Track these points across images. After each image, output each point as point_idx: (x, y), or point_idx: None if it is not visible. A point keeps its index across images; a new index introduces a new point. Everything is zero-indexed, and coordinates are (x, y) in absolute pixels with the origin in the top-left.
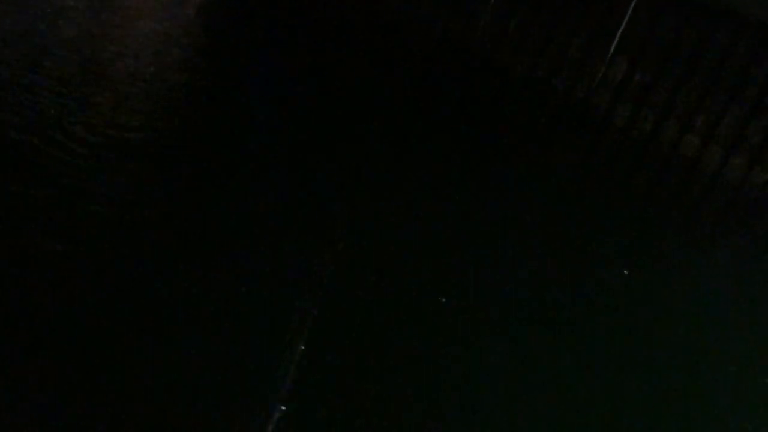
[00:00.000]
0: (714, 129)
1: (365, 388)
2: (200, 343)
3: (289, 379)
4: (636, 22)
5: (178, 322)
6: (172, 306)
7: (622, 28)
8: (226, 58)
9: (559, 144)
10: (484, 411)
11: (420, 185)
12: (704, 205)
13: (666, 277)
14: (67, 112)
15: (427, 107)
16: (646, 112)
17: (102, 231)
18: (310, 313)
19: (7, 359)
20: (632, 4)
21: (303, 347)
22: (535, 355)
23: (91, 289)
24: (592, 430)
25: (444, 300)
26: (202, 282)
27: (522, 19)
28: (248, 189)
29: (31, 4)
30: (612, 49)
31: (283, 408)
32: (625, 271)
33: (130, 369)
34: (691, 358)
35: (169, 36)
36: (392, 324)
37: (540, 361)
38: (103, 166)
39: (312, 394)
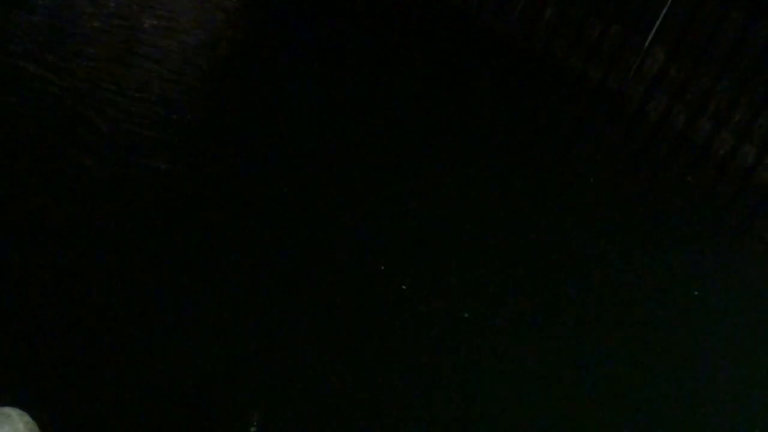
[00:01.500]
0: (749, 127)
1: (365, 384)
2: (201, 332)
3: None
4: (675, 13)
5: (178, 321)
6: (173, 304)
7: (660, 18)
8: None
9: (587, 136)
10: (486, 410)
11: (445, 170)
12: (734, 204)
13: (688, 274)
14: (99, 87)
15: (456, 92)
16: (681, 107)
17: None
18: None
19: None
20: None
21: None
22: (540, 355)
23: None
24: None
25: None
26: (210, 269)
27: (558, 5)
28: (274, 175)
29: None
30: (649, 40)
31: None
32: (645, 268)
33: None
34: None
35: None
36: (397, 320)
37: (546, 361)
38: (132, 138)
39: (310, 390)
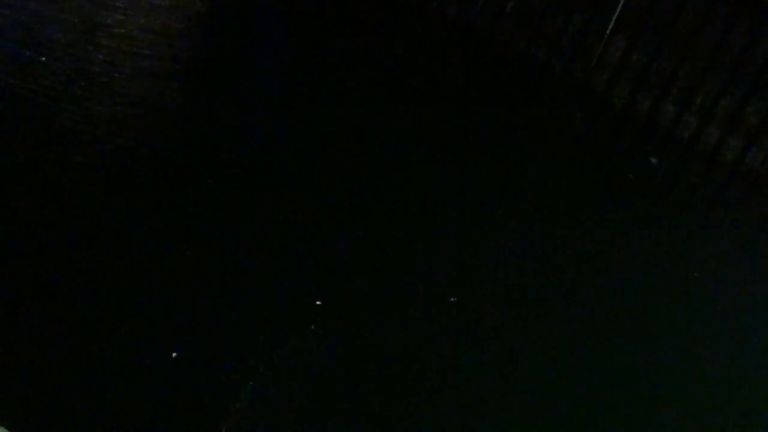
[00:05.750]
0: (712, 109)
1: (366, 380)
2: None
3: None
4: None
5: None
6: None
7: (620, 4)
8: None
9: (555, 125)
10: (486, 407)
11: (413, 163)
12: (702, 185)
13: (664, 260)
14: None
15: (422, 85)
16: (645, 92)
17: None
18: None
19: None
20: None
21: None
22: (529, 349)
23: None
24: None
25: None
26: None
27: None
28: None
29: None
30: (610, 27)
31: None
32: (621, 256)
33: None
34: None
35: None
36: (394, 317)
37: (534, 355)
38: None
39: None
